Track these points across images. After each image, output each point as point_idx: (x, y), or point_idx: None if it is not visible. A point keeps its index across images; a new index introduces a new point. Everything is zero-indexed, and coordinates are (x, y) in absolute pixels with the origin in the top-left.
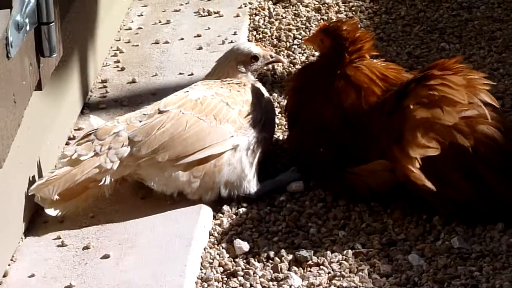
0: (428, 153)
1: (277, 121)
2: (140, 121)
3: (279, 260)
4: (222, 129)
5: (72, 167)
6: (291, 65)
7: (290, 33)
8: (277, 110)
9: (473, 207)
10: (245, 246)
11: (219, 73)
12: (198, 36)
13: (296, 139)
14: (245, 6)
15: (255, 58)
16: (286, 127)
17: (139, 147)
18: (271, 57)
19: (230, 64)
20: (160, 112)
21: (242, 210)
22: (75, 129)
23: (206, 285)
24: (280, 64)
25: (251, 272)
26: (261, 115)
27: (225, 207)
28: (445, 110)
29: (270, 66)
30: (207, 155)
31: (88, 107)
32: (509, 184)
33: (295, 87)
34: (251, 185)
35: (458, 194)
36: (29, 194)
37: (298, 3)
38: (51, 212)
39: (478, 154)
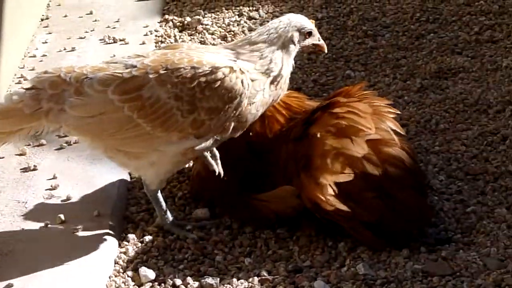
0: (340, 179)
1: None
2: None
3: None
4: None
5: None
6: None
7: None
8: None
9: (386, 227)
10: (150, 274)
11: (271, 36)
12: None
13: (203, 166)
14: (151, 34)
15: (309, 34)
16: None
17: None
18: (319, 40)
19: (289, 30)
20: None
21: (147, 238)
22: None
23: None
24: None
25: None
26: None
27: (130, 235)
28: (354, 141)
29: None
30: None
31: None
32: (419, 199)
33: None
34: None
35: (371, 214)
36: None
37: (204, 31)
38: None
39: (388, 175)
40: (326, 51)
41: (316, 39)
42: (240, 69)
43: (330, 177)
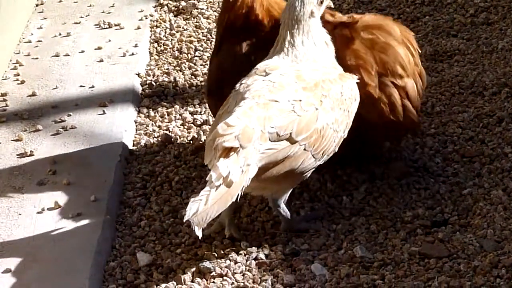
0: None
1: None
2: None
3: (182, 272)
4: None
5: (226, 187)
6: (193, 77)
7: (191, 45)
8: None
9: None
10: (147, 258)
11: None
12: (99, 48)
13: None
14: (146, 18)
15: (321, 2)
16: None
17: None
18: None
19: (305, 11)
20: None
21: (144, 222)
22: None
23: None
24: (182, 76)
25: (153, 284)
26: None
27: (128, 219)
28: None
29: (171, 78)
30: None
31: None
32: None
33: None
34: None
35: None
36: (185, 220)
37: (199, 15)
38: (199, 233)
39: None
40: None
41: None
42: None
43: None
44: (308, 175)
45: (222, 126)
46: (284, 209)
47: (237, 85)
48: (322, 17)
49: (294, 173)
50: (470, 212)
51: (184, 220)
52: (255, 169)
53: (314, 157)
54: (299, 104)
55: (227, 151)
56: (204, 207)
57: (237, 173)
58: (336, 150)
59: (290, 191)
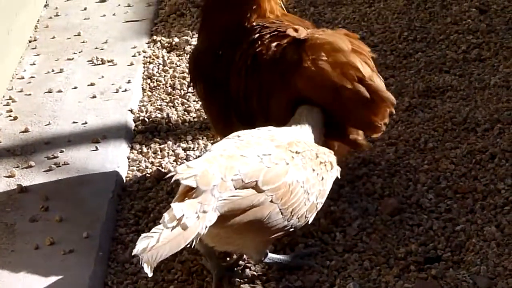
0: None
1: None
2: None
3: None
4: None
5: (181, 229)
6: (186, 113)
7: (184, 81)
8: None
9: None
10: None
11: None
12: (92, 84)
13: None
14: (139, 55)
15: None
16: None
17: None
18: None
19: None
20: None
21: (137, 259)
22: None
23: None
24: (175, 112)
25: None
26: None
27: (121, 256)
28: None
29: (164, 114)
30: None
31: None
32: None
33: None
34: None
35: None
36: (133, 253)
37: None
38: (147, 270)
39: None
40: None
41: None
42: None
43: None
44: (279, 236)
45: (183, 166)
46: (272, 258)
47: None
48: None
49: (261, 227)
50: (463, 248)
51: (132, 254)
52: (214, 217)
53: (282, 213)
54: (269, 157)
55: (184, 195)
56: (155, 245)
57: (192, 218)
58: (309, 218)
59: (263, 251)
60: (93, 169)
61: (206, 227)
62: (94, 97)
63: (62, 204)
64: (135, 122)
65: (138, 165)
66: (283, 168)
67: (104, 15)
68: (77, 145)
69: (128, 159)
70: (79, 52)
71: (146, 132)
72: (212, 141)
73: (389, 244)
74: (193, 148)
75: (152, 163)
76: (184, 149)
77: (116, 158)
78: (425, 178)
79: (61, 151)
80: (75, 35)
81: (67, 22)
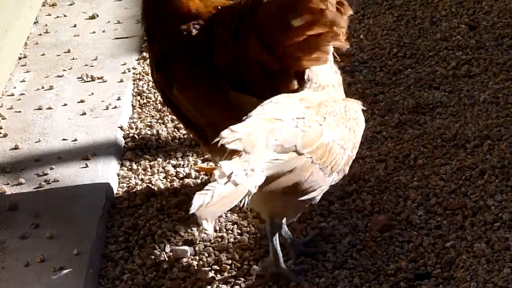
0: None
1: None
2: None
3: None
4: None
5: (233, 186)
6: (176, 130)
7: None
8: None
9: None
10: None
11: None
12: (82, 101)
13: None
14: (129, 71)
15: None
16: None
17: None
18: None
19: None
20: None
21: (127, 276)
22: None
23: None
24: (165, 129)
25: None
26: None
27: (111, 273)
28: None
29: (154, 131)
30: None
31: None
32: None
33: None
34: None
35: None
36: (190, 212)
37: None
38: (208, 227)
39: None
40: None
41: None
42: None
43: None
44: (317, 199)
45: (226, 131)
46: (286, 231)
47: None
48: None
49: (304, 187)
50: (453, 265)
51: (190, 213)
52: (262, 177)
53: (322, 171)
54: (303, 121)
55: (231, 155)
56: (210, 201)
57: (241, 175)
58: (346, 170)
59: (295, 217)
60: (83, 186)
61: (255, 186)
62: (84, 114)
63: (52, 221)
64: (125, 139)
65: (128, 182)
66: (318, 130)
67: (94, 32)
68: (67, 162)
69: (118, 176)
70: (69, 69)
71: (136, 149)
72: (202, 157)
73: (379, 260)
74: (183, 165)
75: (142, 180)
76: (174, 166)
77: (106, 175)
78: (415, 194)
79: (51, 168)
80: (65, 52)
81: (56, 39)
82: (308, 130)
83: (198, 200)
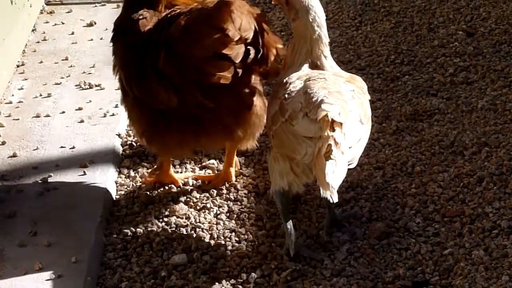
0: None
1: None
2: None
3: None
4: None
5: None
6: None
7: None
8: None
9: None
10: None
11: None
12: (80, 109)
13: None
14: None
15: None
16: None
17: None
18: None
19: None
20: None
21: (125, 283)
22: None
23: None
24: None
25: None
26: None
27: (109, 281)
28: None
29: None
30: None
31: None
32: None
33: None
34: None
35: None
36: (327, 180)
37: None
38: (336, 196)
39: None
40: None
41: None
42: None
43: None
44: None
45: (325, 105)
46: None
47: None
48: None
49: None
50: (452, 272)
51: (327, 181)
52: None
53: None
54: (353, 93)
55: (331, 128)
56: (335, 169)
57: (345, 145)
58: None
59: None
60: (81, 194)
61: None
62: (82, 121)
63: (51, 229)
64: (123, 147)
65: (126, 190)
66: (364, 99)
67: (92, 39)
68: (65, 169)
69: (116, 183)
70: (67, 77)
71: (134, 157)
72: (199, 165)
73: (377, 268)
74: (181, 172)
75: (140, 187)
76: None
77: (104, 183)
78: (412, 202)
79: (49, 176)
80: (62, 60)
81: (54, 46)
82: (361, 100)
83: (331, 168)
